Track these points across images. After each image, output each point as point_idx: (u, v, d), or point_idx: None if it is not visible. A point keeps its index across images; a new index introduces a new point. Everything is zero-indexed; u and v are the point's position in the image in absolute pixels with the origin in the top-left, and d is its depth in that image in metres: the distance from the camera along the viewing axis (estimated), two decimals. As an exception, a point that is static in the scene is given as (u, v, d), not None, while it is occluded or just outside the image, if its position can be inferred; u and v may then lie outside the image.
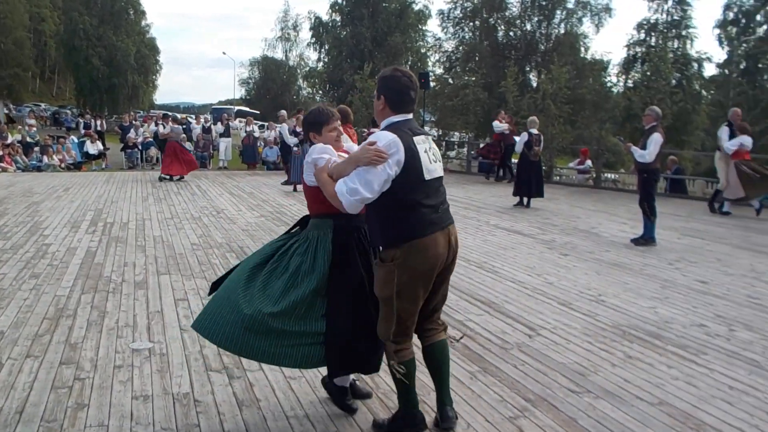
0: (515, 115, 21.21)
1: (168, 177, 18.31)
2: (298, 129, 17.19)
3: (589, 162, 21.70)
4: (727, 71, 28.35)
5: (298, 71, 58.62)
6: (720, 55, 47.68)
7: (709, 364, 5.13)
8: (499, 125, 20.41)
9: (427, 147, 3.69)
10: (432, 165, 3.69)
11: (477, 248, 9.62)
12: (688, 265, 8.80)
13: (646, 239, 10.11)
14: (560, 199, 16.21)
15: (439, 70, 38.34)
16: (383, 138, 3.54)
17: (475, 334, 5.76)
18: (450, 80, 32.27)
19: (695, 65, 40.48)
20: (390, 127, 3.63)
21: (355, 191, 3.48)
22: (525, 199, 14.65)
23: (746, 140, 13.56)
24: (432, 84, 28.47)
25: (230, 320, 3.69)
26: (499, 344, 5.50)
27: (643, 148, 9.89)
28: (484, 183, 20.47)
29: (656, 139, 9.81)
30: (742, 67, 28.81)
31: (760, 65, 27.16)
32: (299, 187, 16.80)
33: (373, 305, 3.76)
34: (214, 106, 63.73)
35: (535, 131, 14.85)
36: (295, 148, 16.79)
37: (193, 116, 40.34)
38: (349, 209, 3.58)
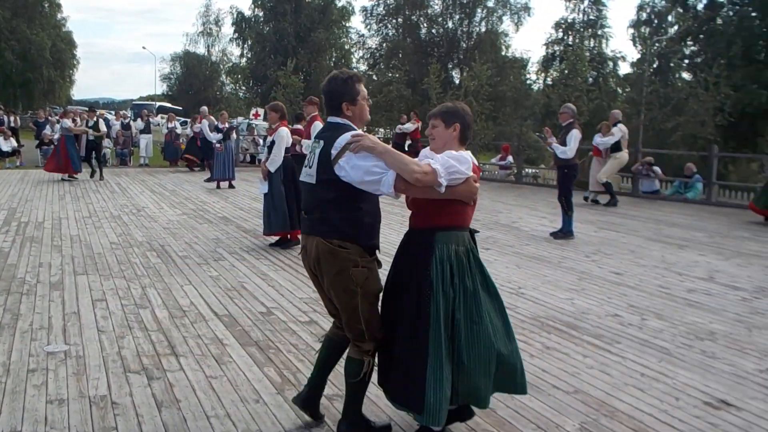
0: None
1: (69, 177, 17.42)
2: (221, 125, 16.98)
3: (510, 158, 22.13)
4: (640, 70, 29.31)
5: (221, 67, 57.76)
6: (634, 54, 49.35)
7: (622, 352, 5.32)
8: (402, 127, 20.78)
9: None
10: (305, 170, 3.68)
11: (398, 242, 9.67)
12: (603, 257, 9.09)
13: (565, 233, 10.39)
14: (482, 194, 16.34)
15: (363, 67, 38.48)
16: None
17: (398, 328, 5.80)
18: (374, 77, 32.40)
19: (610, 64, 41.82)
20: None
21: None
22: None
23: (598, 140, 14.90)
24: (356, 80, 28.47)
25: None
26: (422, 338, 5.56)
27: (563, 144, 10.16)
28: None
29: (576, 135, 10.10)
30: (654, 66, 29.83)
31: (671, 64, 28.15)
32: (222, 184, 16.60)
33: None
34: (134, 102, 62.09)
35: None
36: (218, 145, 16.57)
37: (113, 112, 39.26)
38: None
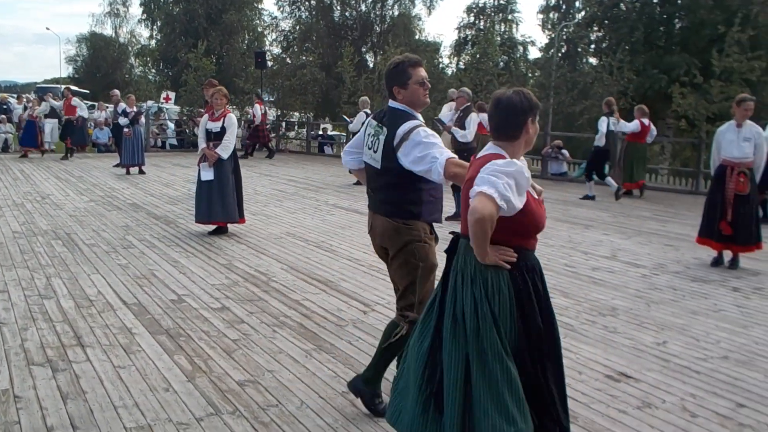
0: (352, 95, 21.46)
1: None
2: (128, 110, 16.49)
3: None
4: (549, 54, 30.02)
5: (130, 49, 55.98)
6: (543, 39, 50.42)
7: (529, 330, 5.48)
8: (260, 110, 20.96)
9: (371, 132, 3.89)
10: (368, 151, 3.91)
11: (315, 228, 9.70)
12: (513, 238, 9.30)
13: (458, 215, 10.57)
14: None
15: (276, 50, 38.05)
16: None
17: (311, 312, 5.83)
18: (288, 60, 32.08)
19: (521, 48, 42.65)
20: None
21: None
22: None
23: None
24: (269, 63, 28.17)
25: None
26: (335, 322, 5.61)
27: (461, 128, 10.35)
28: (323, 163, 20.58)
29: (474, 119, 10.33)
30: (563, 51, 30.60)
31: (579, 49, 28.91)
32: (132, 169, 16.19)
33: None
34: (39, 85, 59.53)
35: (369, 111, 15.25)
36: (126, 129, 16.11)
37: (15, 96, 37.58)
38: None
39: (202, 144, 9.03)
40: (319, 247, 8.49)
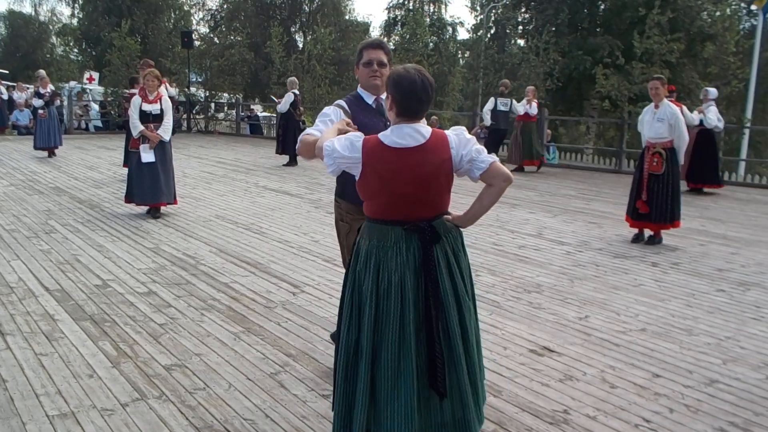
0: (282, 76, 21.29)
1: None
2: (42, 90, 15.92)
3: (354, 122, 22.36)
4: (477, 36, 30.29)
5: (51, 28, 54.01)
6: (471, 20, 50.80)
7: (456, 307, 5.58)
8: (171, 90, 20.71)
9: None
10: None
11: (245, 210, 9.61)
12: (442, 218, 9.42)
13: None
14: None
15: (204, 29, 37.28)
16: None
17: (240, 295, 5.80)
18: (215, 39, 31.52)
19: (450, 29, 42.86)
20: None
21: None
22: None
23: None
24: (197, 43, 27.63)
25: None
26: (264, 303, 5.59)
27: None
28: (253, 145, 20.36)
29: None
30: (491, 32, 30.90)
31: (507, 30, 29.24)
32: (57, 151, 15.69)
33: None
34: (-47, 66, 56.97)
35: (297, 91, 15.25)
36: (41, 111, 15.58)
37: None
38: None
39: (138, 126, 8.81)
40: (248, 229, 8.42)
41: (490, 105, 14.96)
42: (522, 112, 14.65)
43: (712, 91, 12.78)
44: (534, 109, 14.72)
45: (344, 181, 3.85)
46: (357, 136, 2.98)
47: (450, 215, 3.12)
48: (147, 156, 8.81)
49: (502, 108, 14.73)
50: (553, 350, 4.73)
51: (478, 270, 6.71)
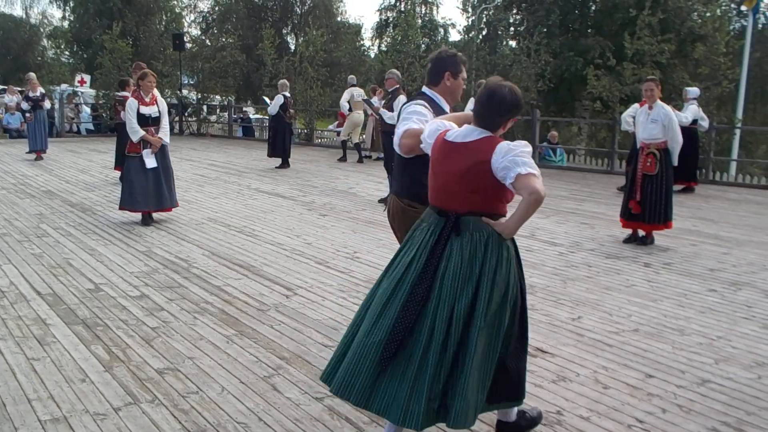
0: (273, 79, 21.27)
1: None
2: (31, 94, 15.86)
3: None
4: (468, 37, 30.31)
5: (42, 30, 53.84)
6: (463, 21, 50.91)
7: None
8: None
9: None
10: None
11: (237, 213, 9.60)
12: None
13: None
14: (320, 161, 16.56)
15: (195, 31, 37.26)
16: None
17: (232, 298, 5.79)
18: (207, 42, 31.48)
19: (441, 31, 42.93)
20: None
21: None
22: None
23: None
24: (188, 45, 27.58)
25: None
26: (257, 306, 5.58)
27: (390, 110, 10.40)
28: (245, 147, 20.33)
29: (402, 101, 10.34)
30: (483, 34, 30.93)
31: (499, 32, 29.27)
32: (44, 154, 15.64)
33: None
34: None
35: (288, 93, 15.23)
36: (27, 114, 15.54)
37: None
38: None
39: (139, 131, 8.54)
40: (241, 232, 8.41)
41: (471, 106, 14.97)
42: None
43: (692, 91, 12.86)
44: None
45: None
46: (445, 125, 3.32)
47: (494, 220, 3.19)
48: (150, 161, 8.65)
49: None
50: (546, 351, 4.74)
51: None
